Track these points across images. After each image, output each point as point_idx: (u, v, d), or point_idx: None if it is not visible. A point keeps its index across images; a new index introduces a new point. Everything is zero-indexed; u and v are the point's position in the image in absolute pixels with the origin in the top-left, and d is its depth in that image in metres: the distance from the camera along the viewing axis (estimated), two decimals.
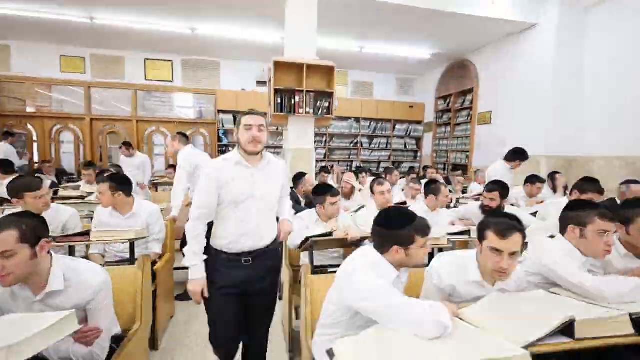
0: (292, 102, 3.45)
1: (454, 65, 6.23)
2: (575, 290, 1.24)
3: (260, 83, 6.72)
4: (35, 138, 6.01)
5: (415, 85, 7.57)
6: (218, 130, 6.39)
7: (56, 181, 4.80)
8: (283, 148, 4.08)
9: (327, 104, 3.54)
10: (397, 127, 7.23)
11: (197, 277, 1.36)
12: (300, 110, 3.46)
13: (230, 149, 6.49)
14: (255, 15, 4.44)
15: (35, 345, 0.82)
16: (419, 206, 2.44)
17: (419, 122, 7.34)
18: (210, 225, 1.44)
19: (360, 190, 3.22)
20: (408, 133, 7.32)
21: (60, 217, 2.08)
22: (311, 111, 3.49)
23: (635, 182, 2.55)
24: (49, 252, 1.12)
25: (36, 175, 3.27)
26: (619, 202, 2.28)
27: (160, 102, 6.50)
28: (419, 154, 7.44)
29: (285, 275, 2.11)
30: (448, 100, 6.43)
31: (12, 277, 1.01)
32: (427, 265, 1.36)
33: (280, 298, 2.35)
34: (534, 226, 2.07)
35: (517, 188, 3.29)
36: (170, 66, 6.41)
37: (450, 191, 3.87)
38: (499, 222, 1.18)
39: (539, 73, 4.41)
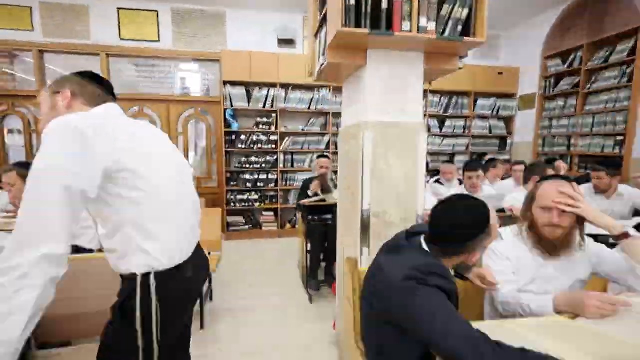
0: (385, 6, 1.38)
1: (585, 1, 3.96)
2: None
3: (284, 42, 4.67)
4: None
5: (500, 45, 5.30)
6: (224, 110, 4.41)
7: None
8: (342, 126, 2.03)
9: (465, 12, 1.44)
10: (479, 102, 5.02)
11: None
12: (404, 25, 1.38)
13: (242, 137, 4.51)
14: None
15: None
16: None
17: (510, 96, 5.10)
18: None
19: None
20: (495, 112, 5.10)
21: None
22: (431, 25, 1.40)
23: None
24: None
25: None
26: None
27: (143, 71, 4.58)
28: (509, 142, 5.21)
29: None
30: (572, 57, 4.16)
31: None
32: None
33: None
34: None
35: None
36: (155, 20, 4.45)
37: None
38: None
39: None
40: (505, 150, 5.19)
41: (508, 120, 5.22)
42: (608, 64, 3.73)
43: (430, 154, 5.06)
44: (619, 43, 3.63)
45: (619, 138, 3.66)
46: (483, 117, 5.11)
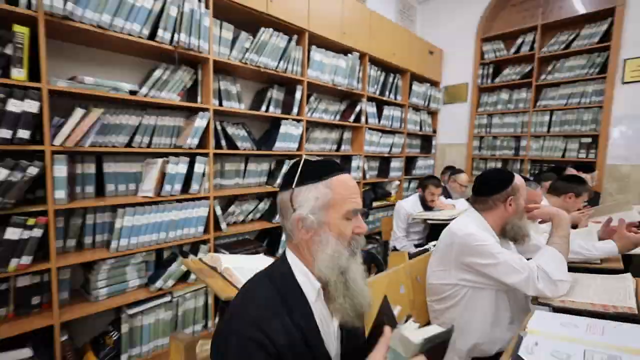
0: None
1: None
2: None
3: None
4: None
5: (417, 15, 4.19)
6: None
7: None
8: None
9: None
10: (414, 87, 3.66)
11: None
12: None
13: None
14: None
15: None
16: None
17: (436, 84, 4.05)
18: None
19: None
20: (427, 102, 3.90)
21: None
22: None
23: None
24: None
25: None
26: None
27: None
28: (433, 143, 4.16)
29: None
30: (520, 41, 3.42)
31: None
32: None
33: None
34: None
35: None
36: None
37: None
38: None
39: None
40: (430, 154, 4.12)
41: (434, 116, 4.18)
42: (570, 50, 3.11)
43: (368, 157, 3.26)
44: (586, 26, 3.04)
45: (585, 140, 3.09)
46: (416, 109, 3.81)
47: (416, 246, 2.52)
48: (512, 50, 3.47)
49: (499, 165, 3.69)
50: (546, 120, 3.29)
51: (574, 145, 3.15)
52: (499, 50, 3.58)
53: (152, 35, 1.71)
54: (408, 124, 3.64)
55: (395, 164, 3.52)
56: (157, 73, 1.80)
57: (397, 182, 3.59)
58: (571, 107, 3.13)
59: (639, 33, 2.76)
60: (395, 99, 3.43)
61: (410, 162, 3.82)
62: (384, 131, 3.34)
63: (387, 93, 3.32)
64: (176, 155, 1.87)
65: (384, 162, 3.50)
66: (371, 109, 3.16)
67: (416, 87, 3.66)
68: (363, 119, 3.04)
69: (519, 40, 3.41)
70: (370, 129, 3.16)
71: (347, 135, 3.09)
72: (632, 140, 2.83)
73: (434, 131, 4.14)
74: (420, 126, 3.87)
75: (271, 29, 2.19)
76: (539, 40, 3.26)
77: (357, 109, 2.97)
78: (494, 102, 3.66)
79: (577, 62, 3.09)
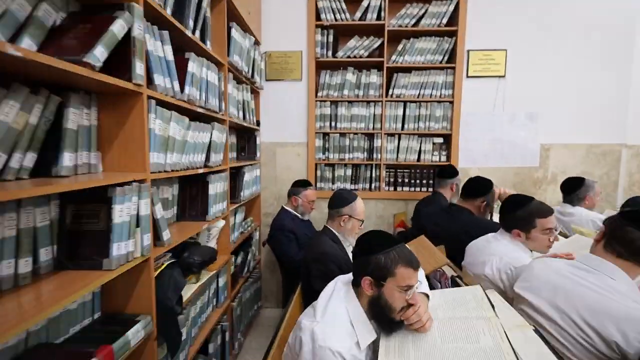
0: None
1: None
2: None
3: None
4: None
5: None
6: None
7: None
8: None
9: None
10: (234, 35, 1.87)
11: None
12: None
13: None
14: None
15: None
16: None
17: (257, 43, 2.45)
18: None
19: None
20: (250, 69, 2.21)
21: None
22: None
23: None
24: None
25: None
26: None
27: None
28: (258, 142, 2.56)
29: None
30: (365, 4, 2.49)
31: None
32: None
33: None
34: None
35: None
36: None
37: None
38: None
39: None
40: (255, 160, 2.51)
41: (257, 96, 2.57)
42: (419, 29, 2.51)
43: (159, 181, 1.18)
44: (433, 1, 2.50)
45: (437, 140, 2.63)
46: (238, 79, 2.05)
47: None
48: (358, 14, 2.50)
49: (349, 172, 2.70)
50: (400, 114, 2.59)
51: (428, 146, 2.63)
52: (341, 12, 2.53)
53: None
54: (229, 104, 1.86)
55: (217, 185, 1.66)
56: None
57: (222, 223, 1.74)
58: (424, 99, 2.57)
59: (480, 21, 2.50)
60: (204, 41, 1.53)
61: (235, 178, 2.05)
62: (193, 115, 1.39)
63: (189, 22, 1.38)
64: None
65: (195, 186, 1.54)
66: (156, 43, 1.13)
67: (237, 35, 1.92)
68: (139, 66, 0.98)
69: (365, 2, 2.49)
70: (160, 102, 1.14)
71: (91, 119, 0.91)
72: (477, 142, 2.60)
73: (258, 123, 2.57)
74: (243, 112, 2.17)
75: None
76: (387, 8, 2.46)
77: (118, 27, 0.88)
78: (339, 85, 2.59)
79: (426, 44, 2.54)
